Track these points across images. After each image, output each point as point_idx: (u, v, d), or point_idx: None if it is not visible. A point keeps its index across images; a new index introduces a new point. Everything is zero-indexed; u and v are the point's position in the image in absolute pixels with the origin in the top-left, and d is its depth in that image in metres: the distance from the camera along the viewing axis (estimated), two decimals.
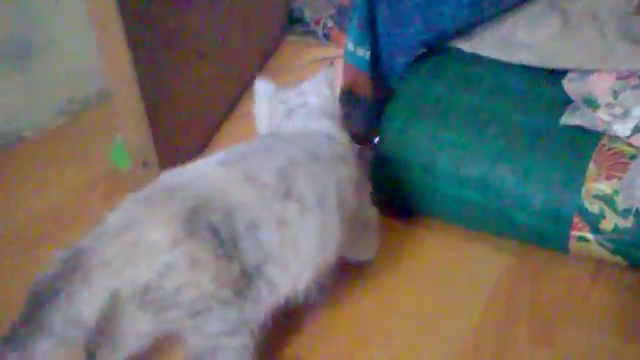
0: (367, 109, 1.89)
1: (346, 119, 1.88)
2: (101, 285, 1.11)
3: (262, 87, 1.59)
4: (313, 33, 2.73)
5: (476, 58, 1.78)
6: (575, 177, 1.52)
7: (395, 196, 1.75)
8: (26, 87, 2.19)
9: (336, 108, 1.57)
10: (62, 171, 2.03)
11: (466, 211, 1.64)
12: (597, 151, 1.53)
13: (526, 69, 1.72)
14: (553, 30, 1.69)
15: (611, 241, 1.50)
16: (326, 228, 1.31)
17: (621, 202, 1.47)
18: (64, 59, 2.23)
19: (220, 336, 1.21)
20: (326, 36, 2.69)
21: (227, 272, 1.17)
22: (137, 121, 1.76)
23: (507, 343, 1.44)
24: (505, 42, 1.74)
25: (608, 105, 1.59)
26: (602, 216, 1.49)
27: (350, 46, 1.84)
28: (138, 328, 1.22)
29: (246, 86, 1.63)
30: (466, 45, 1.80)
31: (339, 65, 1.89)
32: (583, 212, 1.50)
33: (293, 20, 2.79)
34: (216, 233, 1.16)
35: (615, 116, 1.56)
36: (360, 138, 1.94)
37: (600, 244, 1.51)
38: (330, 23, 2.68)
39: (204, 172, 1.26)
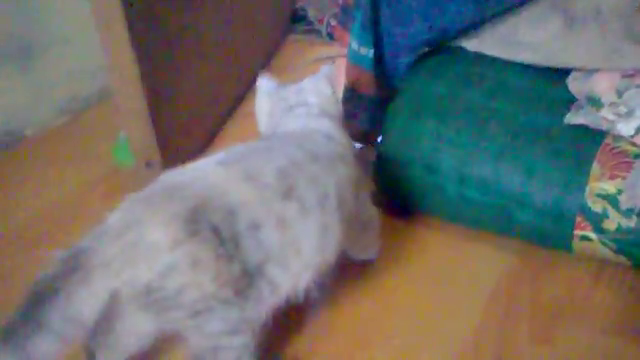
0: (370, 108, 1.89)
1: (349, 118, 1.89)
2: (101, 285, 1.11)
3: (264, 84, 1.59)
4: (317, 32, 2.73)
5: (479, 57, 1.78)
6: (578, 176, 1.51)
7: (397, 195, 1.74)
8: (28, 86, 2.19)
9: (336, 107, 1.56)
10: (63, 170, 2.03)
11: (468, 210, 1.64)
12: (601, 150, 1.53)
13: (529, 68, 1.72)
14: (556, 29, 1.68)
15: (614, 241, 1.49)
16: (326, 228, 1.30)
17: (625, 201, 1.47)
18: (66, 58, 2.23)
19: (221, 336, 1.21)
20: (330, 35, 2.69)
21: (228, 272, 1.17)
22: (140, 120, 1.76)
23: (508, 343, 1.43)
24: (508, 41, 1.74)
25: (612, 104, 1.58)
26: (605, 215, 1.48)
27: (354, 45, 1.84)
28: (139, 328, 1.23)
29: (249, 86, 1.63)
30: (469, 44, 1.80)
31: (341, 64, 1.89)
32: (586, 211, 1.50)
33: (296, 19, 2.79)
34: (217, 233, 1.16)
35: (619, 115, 1.56)
36: (363, 137, 1.94)
37: (603, 244, 1.50)
38: (334, 22, 2.67)
39: (204, 172, 1.25)
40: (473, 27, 1.77)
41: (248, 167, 1.26)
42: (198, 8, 2.02)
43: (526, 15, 1.73)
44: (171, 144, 1.84)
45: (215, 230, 1.16)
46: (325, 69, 1.59)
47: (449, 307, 1.52)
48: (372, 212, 1.55)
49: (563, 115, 1.59)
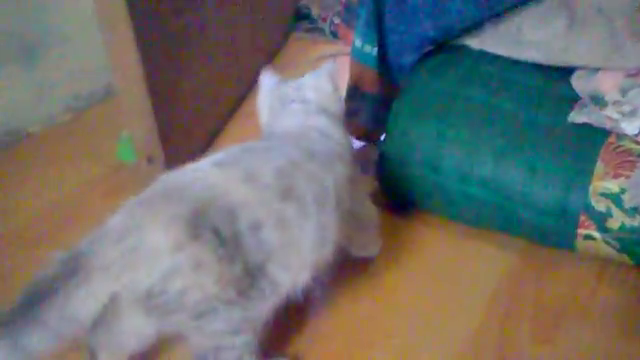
0: (373, 106, 1.89)
1: (352, 116, 1.89)
2: (100, 288, 1.11)
3: (267, 79, 1.59)
4: (320, 30, 2.72)
5: (483, 55, 1.77)
6: (582, 175, 1.51)
7: (399, 194, 1.74)
8: (30, 84, 2.19)
9: (336, 104, 1.56)
10: (65, 168, 2.03)
11: (471, 209, 1.63)
12: (604, 149, 1.52)
13: (534, 66, 1.71)
14: (560, 28, 1.67)
15: (618, 240, 1.49)
16: (324, 226, 1.30)
17: (628, 200, 1.46)
18: (68, 57, 2.23)
19: (224, 335, 1.22)
20: (333, 33, 2.69)
21: (230, 272, 1.17)
22: (143, 118, 1.76)
23: (509, 342, 1.43)
24: (512, 39, 1.73)
25: (616, 103, 1.58)
26: (609, 214, 1.48)
27: (357, 43, 1.84)
28: (139, 329, 1.22)
29: (252, 85, 1.63)
30: (473, 42, 1.79)
31: (344, 61, 1.89)
32: (590, 210, 1.49)
33: (300, 17, 2.78)
34: (217, 234, 1.16)
35: (623, 114, 1.55)
36: (366, 136, 1.94)
37: (607, 243, 1.50)
38: (337, 20, 2.67)
39: (204, 173, 1.25)
40: (477, 25, 1.77)
41: (247, 168, 1.25)
42: (201, 7, 2.02)
43: (530, 13, 1.72)
44: (173, 142, 1.84)
45: (216, 231, 1.16)
46: (327, 65, 1.59)
47: (450, 306, 1.52)
48: (370, 210, 1.55)
49: (567, 113, 1.59)
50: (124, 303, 1.16)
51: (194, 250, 1.13)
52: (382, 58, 1.83)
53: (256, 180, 1.23)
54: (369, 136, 1.95)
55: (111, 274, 1.12)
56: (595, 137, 1.55)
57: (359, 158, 1.76)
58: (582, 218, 1.50)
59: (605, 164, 1.50)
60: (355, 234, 1.51)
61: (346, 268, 1.57)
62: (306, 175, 1.29)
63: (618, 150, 1.51)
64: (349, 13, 2.56)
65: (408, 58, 1.83)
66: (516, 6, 1.72)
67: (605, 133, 1.55)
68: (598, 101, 1.59)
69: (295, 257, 1.27)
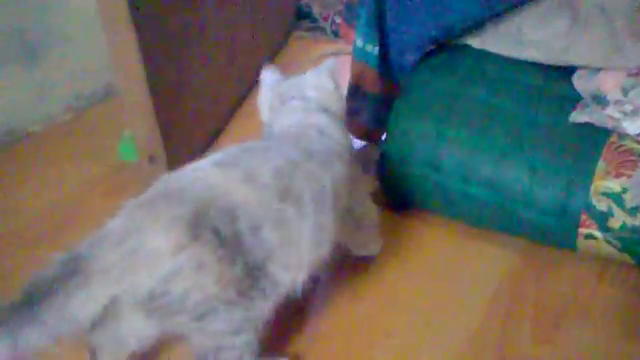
0: (374, 106, 1.89)
1: (353, 116, 1.89)
2: (100, 291, 1.11)
3: (268, 76, 1.59)
4: (321, 29, 2.72)
5: (485, 55, 1.77)
6: (583, 175, 1.51)
7: (400, 193, 1.74)
8: (33, 83, 2.19)
9: (337, 103, 1.56)
10: (68, 167, 2.03)
11: (471, 208, 1.63)
12: (606, 149, 1.52)
13: (535, 66, 1.71)
14: (562, 27, 1.67)
15: (619, 239, 1.49)
16: (321, 225, 1.30)
17: (630, 200, 1.46)
18: (71, 56, 2.23)
19: (225, 335, 1.22)
20: (334, 32, 2.68)
21: (230, 272, 1.17)
22: (144, 117, 1.76)
23: (510, 342, 1.43)
24: (514, 39, 1.73)
25: (617, 102, 1.58)
26: (610, 214, 1.48)
27: (358, 42, 1.84)
28: (139, 330, 1.22)
29: (253, 84, 1.63)
30: (475, 42, 1.79)
31: (344, 60, 1.88)
32: (591, 210, 1.49)
33: (301, 16, 2.78)
34: (218, 234, 1.16)
35: (625, 113, 1.55)
36: (367, 135, 1.94)
37: (608, 242, 1.50)
38: (338, 19, 2.67)
39: (204, 173, 1.25)
40: (478, 25, 1.76)
41: (246, 168, 1.25)
42: (202, 7, 2.02)
43: (532, 13, 1.72)
44: (175, 141, 1.84)
45: (216, 232, 1.16)
46: (328, 63, 1.59)
47: (450, 306, 1.52)
48: (371, 209, 1.55)
49: (568, 113, 1.59)
50: (125, 305, 1.16)
51: (195, 251, 1.14)
52: (383, 57, 1.83)
53: (255, 180, 1.23)
54: (370, 136, 1.95)
55: (111, 277, 1.12)
56: (597, 137, 1.55)
57: (360, 158, 1.76)
58: (583, 217, 1.50)
59: (607, 163, 1.50)
60: (355, 233, 1.51)
61: (346, 267, 1.58)
62: (304, 175, 1.29)
63: (620, 150, 1.51)
64: (350, 12, 2.56)
65: (409, 57, 1.83)
66: (517, 5, 1.72)
67: (607, 133, 1.55)
68: (600, 101, 1.59)
69: (294, 256, 1.27)
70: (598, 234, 1.50)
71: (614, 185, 1.48)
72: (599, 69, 1.65)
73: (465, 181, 1.61)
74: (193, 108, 1.98)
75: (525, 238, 1.64)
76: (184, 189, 1.21)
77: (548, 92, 1.66)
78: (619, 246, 1.49)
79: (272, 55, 2.52)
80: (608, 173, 1.49)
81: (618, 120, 1.55)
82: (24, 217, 1.85)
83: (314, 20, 2.75)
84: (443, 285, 1.57)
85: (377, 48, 1.81)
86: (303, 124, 1.46)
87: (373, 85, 1.87)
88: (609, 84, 1.62)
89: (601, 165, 1.50)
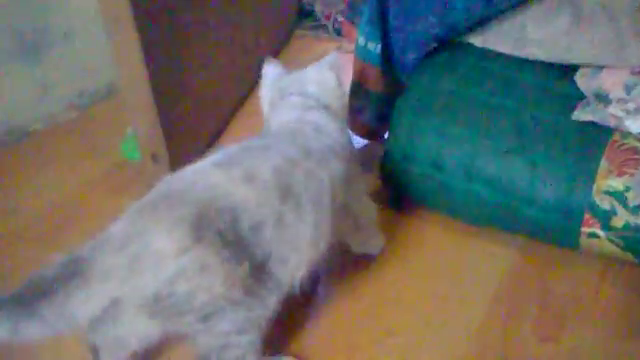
0: (377, 104, 1.89)
1: (356, 114, 1.89)
2: (101, 293, 1.12)
3: (270, 70, 1.58)
4: (324, 27, 2.72)
5: (487, 53, 1.77)
6: (586, 173, 1.50)
7: (403, 191, 1.74)
8: (36, 82, 2.19)
9: (338, 99, 1.55)
10: (71, 165, 2.03)
11: (474, 207, 1.63)
12: (609, 147, 1.52)
13: (538, 64, 1.71)
14: (564, 25, 1.67)
15: (622, 238, 1.48)
16: (319, 222, 1.30)
17: (633, 198, 1.46)
18: (73, 54, 2.23)
19: (230, 335, 1.22)
20: (337, 31, 2.69)
21: (235, 272, 1.18)
22: (147, 115, 1.76)
23: (512, 341, 1.43)
24: (516, 37, 1.73)
25: (620, 101, 1.58)
26: (613, 213, 1.47)
27: (361, 40, 1.83)
28: (142, 331, 1.22)
29: (256, 83, 1.63)
30: (477, 40, 1.79)
31: (347, 59, 1.88)
32: (594, 208, 1.49)
33: (303, 14, 2.78)
34: (221, 235, 1.16)
35: (628, 112, 1.55)
36: (370, 133, 1.94)
37: (611, 241, 1.49)
38: (341, 17, 2.67)
39: (203, 175, 1.25)
40: (482, 23, 1.76)
41: (246, 167, 1.25)
42: (204, 6, 2.02)
43: (535, 11, 1.72)
44: (177, 140, 1.84)
45: (219, 233, 1.16)
46: (329, 57, 1.58)
47: (452, 305, 1.52)
48: (367, 207, 1.55)
49: (571, 112, 1.59)
50: (128, 306, 1.16)
51: (198, 253, 1.14)
52: (385, 56, 1.83)
53: (256, 180, 1.23)
54: (373, 134, 1.95)
55: (114, 281, 1.12)
56: (599, 135, 1.54)
57: (362, 156, 1.76)
58: (586, 216, 1.50)
59: (609, 162, 1.50)
60: (354, 231, 1.51)
61: (347, 266, 1.58)
62: (303, 173, 1.30)
63: (622, 148, 1.51)
64: (353, 10, 2.55)
65: (412, 56, 1.82)
66: (520, 4, 1.71)
67: (609, 131, 1.54)
68: (602, 99, 1.59)
69: (294, 254, 1.27)
70: (601, 233, 1.50)
71: (617, 184, 1.48)
72: (602, 67, 1.65)
73: (467, 179, 1.61)
74: (195, 106, 1.98)
75: (527, 237, 1.63)
76: (185, 190, 1.21)
77: (550, 90, 1.66)
78: (622, 245, 1.49)
79: (275, 53, 2.52)
80: (611, 172, 1.49)
81: (621, 118, 1.54)
82: (25, 216, 1.85)
83: (316, 18, 2.75)
84: (444, 284, 1.57)
85: (379, 46, 1.80)
86: (300, 121, 1.46)
87: (375, 83, 1.86)
88: (612, 82, 1.61)
89: (604, 164, 1.50)
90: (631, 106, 1.55)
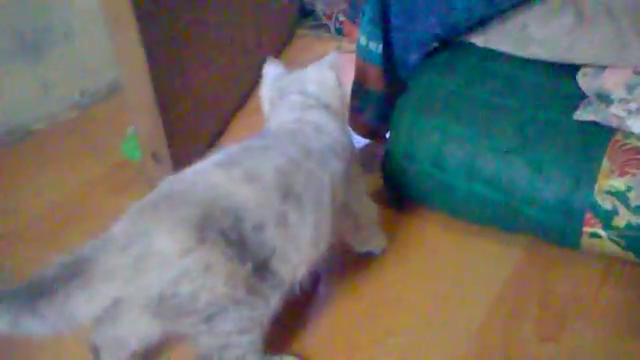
0: (378, 104, 1.89)
1: (357, 113, 1.89)
2: (102, 293, 1.11)
3: (271, 70, 1.58)
4: (325, 27, 2.72)
5: (489, 52, 1.77)
6: (588, 173, 1.50)
7: (404, 191, 1.74)
8: (37, 81, 2.20)
9: (338, 99, 1.55)
10: (72, 165, 2.04)
11: (475, 206, 1.63)
12: (611, 147, 1.52)
13: (540, 63, 1.71)
14: (567, 25, 1.67)
15: (623, 237, 1.48)
16: (320, 222, 1.31)
17: (634, 198, 1.46)
18: (75, 53, 2.24)
19: (231, 334, 1.22)
20: (338, 30, 2.69)
21: (239, 272, 1.18)
22: (148, 113, 1.77)
23: (514, 341, 1.43)
24: (518, 36, 1.73)
25: (622, 100, 1.57)
26: (615, 212, 1.47)
27: (362, 40, 1.83)
28: (144, 331, 1.22)
29: (257, 82, 1.63)
30: (479, 39, 1.79)
31: (348, 58, 1.88)
32: (596, 208, 1.49)
33: (305, 14, 2.78)
34: (225, 235, 1.16)
35: (630, 111, 1.55)
36: (371, 133, 1.94)
37: (612, 240, 1.49)
38: (342, 17, 2.67)
39: (205, 176, 1.25)
40: (483, 23, 1.76)
41: (248, 168, 1.25)
42: (206, 6, 2.02)
43: (537, 11, 1.72)
44: (179, 139, 1.84)
45: (223, 233, 1.16)
46: (329, 57, 1.58)
47: (453, 304, 1.52)
48: (367, 206, 1.55)
49: (572, 111, 1.58)
50: (130, 306, 1.16)
51: (202, 253, 1.14)
52: (387, 56, 1.83)
53: (258, 180, 1.23)
54: (374, 134, 1.95)
55: (116, 281, 1.12)
56: (601, 135, 1.54)
57: (363, 156, 1.76)
58: (588, 216, 1.50)
59: (611, 162, 1.49)
60: (354, 231, 1.51)
61: (348, 266, 1.58)
62: (304, 173, 1.30)
63: (624, 148, 1.50)
64: (354, 10, 2.56)
65: (413, 55, 1.82)
66: (521, 3, 1.71)
67: (611, 131, 1.54)
68: (604, 99, 1.59)
69: (295, 254, 1.27)
70: (602, 233, 1.49)
71: (619, 183, 1.47)
72: (604, 67, 1.65)
73: (468, 179, 1.60)
74: (196, 106, 1.98)
75: (529, 236, 1.63)
76: (187, 191, 1.21)
77: (552, 90, 1.66)
78: (623, 244, 1.49)
79: (276, 53, 2.52)
80: (613, 171, 1.49)
81: (623, 118, 1.54)
82: (26, 216, 1.85)
83: (318, 18, 2.75)
84: (445, 283, 1.57)
85: (381, 46, 1.80)
86: (300, 121, 1.46)
87: (377, 83, 1.86)
88: (614, 82, 1.61)
89: (605, 164, 1.50)
90: (633, 106, 1.55)
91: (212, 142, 2.05)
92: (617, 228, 1.47)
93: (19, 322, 1.08)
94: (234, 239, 1.17)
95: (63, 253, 1.13)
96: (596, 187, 1.49)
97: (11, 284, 1.11)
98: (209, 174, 1.25)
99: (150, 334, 1.23)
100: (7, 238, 1.76)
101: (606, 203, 1.48)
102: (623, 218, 1.46)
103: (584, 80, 1.65)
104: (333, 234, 1.36)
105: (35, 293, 1.08)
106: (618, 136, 1.53)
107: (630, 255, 1.50)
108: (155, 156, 1.82)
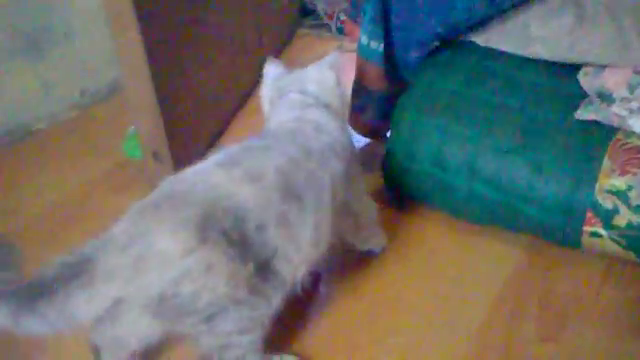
0: (379, 103, 1.89)
1: (358, 112, 1.89)
2: (103, 294, 1.12)
3: (272, 70, 1.58)
4: (326, 26, 2.72)
5: (490, 51, 1.77)
6: (589, 172, 1.50)
7: (405, 190, 1.74)
8: (38, 80, 2.20)
9: (337, 98, 1.55)
10: (73, 164, 2.04)
11: (476, 206, 1.63)
12: (612, 146, 1.51)
13: (541, 63, 1.71)
14: (568, 24, 1.67)
15: (625, 237, 1.48)
16: (320, 221, 1.31)
17: (635, 198, 1.45)
18: (76, 53, 2.24)
19: (232, 334, 1.22)
20: (339, 29, 2.68)
21: (240, 272, 1.18)
22: (149, 113, 1.77)
23: (514, 341, 1.42)
24: (519, 35, 1.73)
25: (624, 100, 1.57)
26: (616, 212, 1.47)
27: (363, 39, 1.83)
28: (144, 331, 1.22)
29: (258, 82, 1.63)
30: (480, 38, 1.79)
31: (350, 57, 1.88)
32: (596, 207, 1.48)
33: (306, 13, 2.78)
34: (227, 235, 1.16)
35: (631, 111, 1.54)
36: (372, 132, 1.94)
37: (613, 240, 1.49)
38: (343, 16, 2.66)
39: (206, 176, 1.25)
40: (484, 22, 1.76)
41: (249, 168, 1.25)
42: (207, 6, 2.02)
43: (538, 10, 1.71)
44: (179, 138, 1.84)
45: (225, 233, 1.16)
46: (330, 57, 1.58)
47: (453, 304, 1.51)
48: (367, 205, 1.55)
49: (573, 110, 1.58)
50: (130, 306, 1.16)
51: (204, 253, 1.14)
52: (388, 55, 1.83)
53: (260, 180, 1.23)
54: (375, 133, 1.95)
55: (117, 281, 1.12)
56: (602, 134, 1.54)
57: (364, 155, 1.76)
58: (588, 215, 1.49)
59: (612, 161, 1.49)
60: (354, 230, 1.51)
61: (348, 266, 1.58)
62: (305, 173, 1.30)
63: (625, 147, 1.50)
64: (355, 9, 2.55)
65: (414, 55, 1.82)
66: (522, 3, 1.71)
67: (612, 130, 1.54)
68: (605, 98, 1.59)
69: (296, 254, 1.27)
70: (603, 232, 1.49)
71: (620, 183, 1.47)
72: (605, 66, 1.64)
73: (469, 178, 1.60)
74: (197, 105, 1.98)
75: (529, 236, 1.63)
76: (188, 191, 1.21)
77: (553, 90, 1.65)
78: (624, 244, 1.48)
79: (277, 52, 2.52)
80: (613, 171, 1.48)
81: (624, 117, 1.54)
82: (26, 216, 1.85)
83: (319, 17, 2.75)
84: (445, 283, 1.57)
85: (382, 45, 1.80)
86: (300, 119, 1.46)
87: (378, 82, 1.86)
88: (615, 81, 1.61)
89: (606, 163, 1.49)
90: (634, 105, 1.55)
91: (212, 142, 2.05)
92: (618, 227, 1.47)
93: (19, 320, 1.08)
94: (236, 239, 1.17)
95: (63, 253, 1.13)
96: (597, 186, 1.48)
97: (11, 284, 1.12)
98: (210, 174, 1.25)
99: (150, 334, 1.23)
100: (8, 237, 1.76)
101: (607, 202, 1.47)
102: (624, 217, 1.46)
103: (585, 79, 1.65)
104: (333, 234, 1.36)
105: (35, 293, 1.08)
106: (619, 135, 1.53)
107: (631, 255, 1.50)
108: (156, 155, 1.82)
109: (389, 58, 1.83)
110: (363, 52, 1.85)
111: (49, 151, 2.12)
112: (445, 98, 1.69)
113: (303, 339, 1.44)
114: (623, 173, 1.47)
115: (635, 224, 1.45)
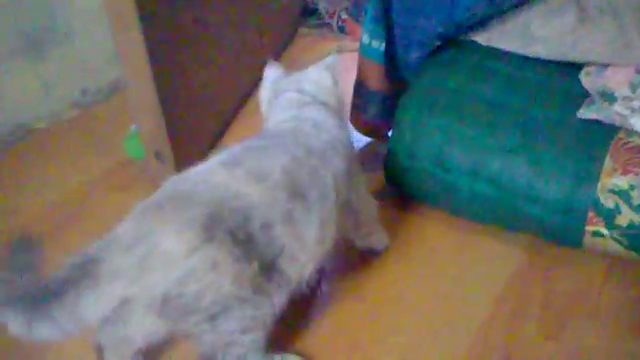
0: (381, 102, 1.89)
1: (359, 112, 1.89)
2: (109, 293, 1.12)
3: (271, 72, 1.59)
4: (328, 26, 2.72)
5: (492, 51, 1.76)
6: (590, 171, 1.50)
7: (406, 189, 1.74)
8: (39, 79, 2.20)
9: (335, 98, 1.55)
10: (74, 162, 2.04)
11: (478, 205, 1.63)
12: (613, 145, 1.51)
13: (542, 62, 1.71)
14: (570, 23, 1.66)
15: (626, 236, 1.48)
16: (325, 220, 1.31)
17: (637, 197, 1.45)
18: (77, 52, 2.24)
19: (235, 333, 1.22)
20: (341, 29, 2.68)
21: (245, 271, 1.18)
22: (151, 112, 1.77)
23: (516, 340, 1.42)
24: (521, 35, 1.73)
25: (626, 99, 1.57)
26: (617, 211, 1.47)
27: (365, 38, 1.83)
28: (149, 330, 1.22)
29: (259, 82, 1.63)
30: (482, 38, 1.79)
31: (350, 57, 1.88)
32: (598, 207, 1.48)
33: (307, 13, 2.78)
34: (232, 234, 1.16)
35: (633, 110, 1.54)
36: (374, 131, 1.94)
37: (615, 239, 1.49)
38: (345, 15, 2.66)
39: (210, 175, 1.25)
40: (486, 21, 1.76)
41: (253, 167, 1.26)
42: (208, 5, 2.02)
43: (539, 9, 1.71)
44: (181, 138, 1.84)
45: (231, 232, 1.16)
46: (328, 59, 1.58)
47: (455, 303, 1.51)
48: (368, 203, 1.55)
49: (576, 110, 1.58)
50: (135, 306, 1.16)
51: (209, 252, 1.14)
52: (389, 54, 1.83)
53: (265, 179, 1.24)
54: (376, 132, 1.95)
55: (122, 281, 1.12)
56: (604, 133, 1.54)
57: (365, 155, 1.76)
58: (590, 215, 1.49)
59: (614, 160, 1.49)
60: (354, 227, 1.51)
61: (350, 265, 1.58)
62: (308, 172, 1.30)
63: (627, 146, 1.50)
64: (357, 8, 2.55)
65: (416, 54, 1.82)
66: (524, 2, 1.71)
67: (614, 129, 1.54)
68: (607, 97, 1.58)
69: (302, 252, 1.27)
70: (605, 231, 1.49)
71: (621, 182, 1.47)
72: (607, 65, 1.64)
73: (471, 177, 1.60)
74: (198, 105, 1.98)
75: (531, 235, 1.63)
76: (192, 191, 1.21)
77: (555, 89, 1.65)
78: (626, 243, 1.48)
79: (279, 52, 2.52)
80: (615, 170, 1.48)
81: (626, 116, 1.54)
82: (27, 215, 1.85)
83: (320, 17, 2.75)
84: (447, 282, 1.57)
85: (383, 44, 1.80)
86: (298, 118, 1.46)
87: (379, 82, 1.86)
88: (617, 80, 1.61)
89: (608, 162, 1.49)
90: (636, 104, 1.55)
91: (214, 140, 2.05)
92: (619, 227, 1.47)
93: (32, 326, 1.08)
94: (241, 238, 1.18)
95: (64, 253, 1.13)
96: (599, 186, 1.48)
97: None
98: (213, 174, 1.25)
99: (155, 333, 1.23)
100: (8, 237, 1.75)
101: (609, 202, 1.47)
102: (626, 217, 1.46)
103: (587, 79, 1.64)
104: (337, 231, 1.37)
105: (46, 296, 1.09)
106: (621, 134, 1.53)
107: (632, 254, 1.50)
108: (158, 155, 1.82)
109: (390, 57, 1.84)
110: (364, 51, 1.85)
111: (50, 150, 2.12)
112: (446, 97, 1.69)
113: (304, 338, 1.44)
114: (625, 172, 1.47)
115: (637, 223, 1.45)
